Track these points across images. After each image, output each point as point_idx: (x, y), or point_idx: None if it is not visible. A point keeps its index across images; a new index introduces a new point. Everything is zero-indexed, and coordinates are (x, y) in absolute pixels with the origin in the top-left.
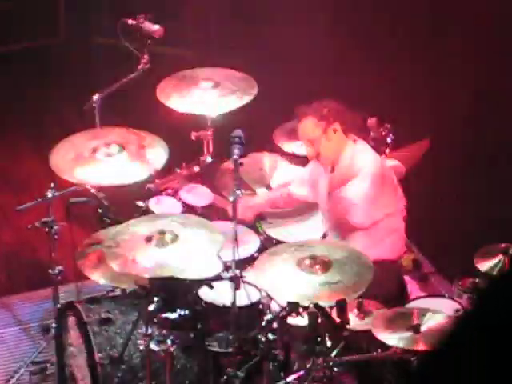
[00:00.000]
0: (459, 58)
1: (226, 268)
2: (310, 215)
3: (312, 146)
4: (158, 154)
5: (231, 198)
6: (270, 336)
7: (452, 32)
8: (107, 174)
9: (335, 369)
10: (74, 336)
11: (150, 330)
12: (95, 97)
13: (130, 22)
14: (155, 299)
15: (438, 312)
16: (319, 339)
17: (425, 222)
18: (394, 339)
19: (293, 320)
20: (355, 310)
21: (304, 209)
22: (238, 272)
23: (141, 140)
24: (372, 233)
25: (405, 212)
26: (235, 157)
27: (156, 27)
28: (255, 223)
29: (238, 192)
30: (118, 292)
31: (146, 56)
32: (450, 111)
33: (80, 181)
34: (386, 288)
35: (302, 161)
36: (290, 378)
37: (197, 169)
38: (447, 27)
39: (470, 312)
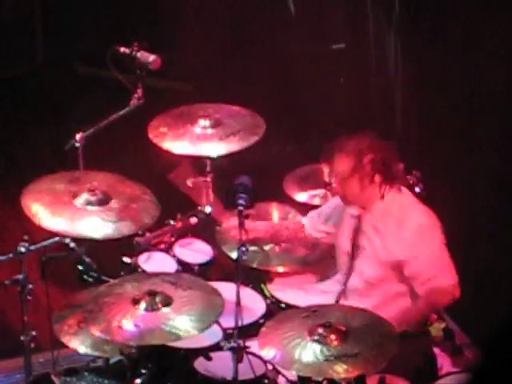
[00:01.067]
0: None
1: (227, 336)
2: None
3: (341, 185)
4: (148, 209)
5: (235, 256)
6: None
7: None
8: (87, 226)
9: None
10: None
11: None
12: (78, 136)
13: (123, 49)
14: (143, 371)
15: None
16: None
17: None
18: None
19: None
20: None
21: (318, 268)
22: (240, 341)
23: (130, 190)
24: (398, 301)
25: None
26: (240, 208)
27: (153, 57)
28: (260, 285)
29: (243, 248)
30: (100, 363)
31: (139, 90)
32: (485, 161)
33: (55, 229)
34: (412, 364)
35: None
36: None
37: (194, 221)
38: None
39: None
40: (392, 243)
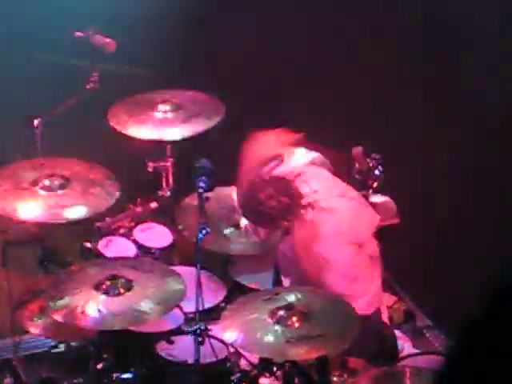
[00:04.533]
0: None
1: (188, 320)
2: None
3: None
4: (107, 191)
5: (194, 239)
6: None
7: None
8: (47, 210)
9: None
10: None
11: None
12: (36, 121)
13: (79, 34)
14: (105, 356)
15: (433, 372)
16: None
17: (419, 270)
18: None
19: (265, 380)
20: (338, 369)
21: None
22: (201, 325)
23: (89, 174)
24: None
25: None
26: (200, 191)
27: (108, 40)
28: (221, 269)
29: (204, 231)
30: (62, 348)
31: (95, 74)
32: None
33: (14, 216)
34: (369, 348)
35: None
36: None
37: (154, 205)
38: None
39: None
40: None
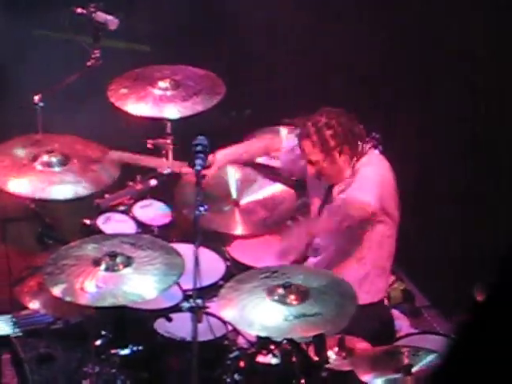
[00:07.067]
0: None
1: (186, 297)
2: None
3: (313, 165)
4: (106, 170)
5: (193, 216)
6: (237, 377)
7: None
8: (47, 187)
9: None
10: (8, 375)
11: (97, 369)
12: (37, 97)
13: (80, 10)
14: (103, 333)
15: (431, 351)
16: (294, 381)
17: (417, 251)
18: (380, 382)
19: (263, 358)
20: (335, 348)
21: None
22: (199, 302)
23: (89, 152)
24: (359, 271)
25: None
26: (198, 168)
27: (110, 18)
28: (220, 247)
29: (201, 209)
30: (60, 324)
31: (96, 51)
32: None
33: (15, 192)
34: (368, 329)
35: (276, 175)
36: None
37: (153, 182)
38: None
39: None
40: None
